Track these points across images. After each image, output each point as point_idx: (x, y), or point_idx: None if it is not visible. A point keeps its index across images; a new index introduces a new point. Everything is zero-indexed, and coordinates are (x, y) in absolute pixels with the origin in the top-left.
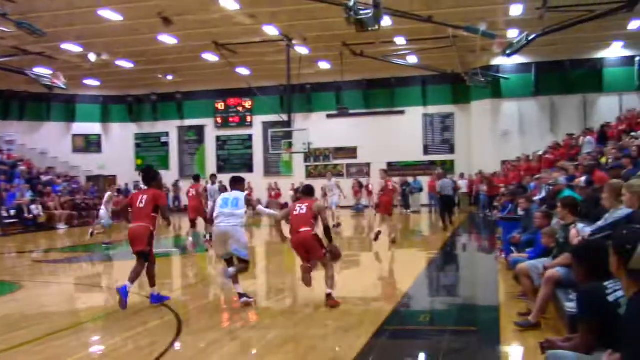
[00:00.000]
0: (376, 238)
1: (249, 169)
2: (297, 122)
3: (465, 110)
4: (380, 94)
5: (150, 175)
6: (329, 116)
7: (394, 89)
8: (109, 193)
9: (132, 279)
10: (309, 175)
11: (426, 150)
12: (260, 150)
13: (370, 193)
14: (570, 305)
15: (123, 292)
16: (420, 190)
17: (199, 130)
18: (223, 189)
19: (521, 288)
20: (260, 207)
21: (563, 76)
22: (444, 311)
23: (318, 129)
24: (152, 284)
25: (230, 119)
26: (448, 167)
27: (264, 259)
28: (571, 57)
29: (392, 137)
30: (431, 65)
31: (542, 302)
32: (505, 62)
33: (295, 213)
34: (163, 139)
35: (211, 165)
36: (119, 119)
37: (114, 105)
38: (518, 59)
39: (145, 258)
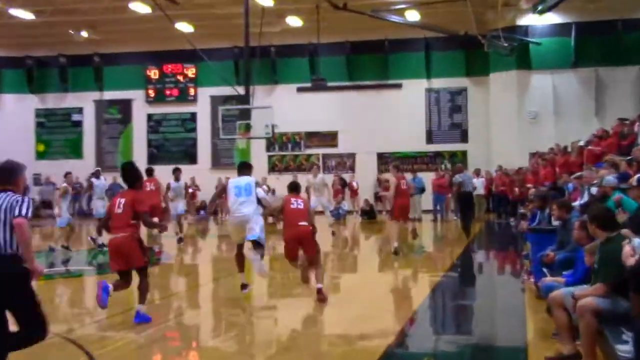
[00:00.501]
0: (396, 252)
1: (192, 159)
2: (258, 98)
3: (482, 85)
4: (369, 61)
5: (133, 173)
6: (300, 90)
7: (388, 55)
8: (64, 185)
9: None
10: (273, 168)
11: (430, 138)
12: (207, 135)
13: (355, 193)
14: (624, 350)
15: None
16: (422, 190)
17: (125, 106)
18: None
19: (555, 324)
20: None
21: (613, 41)
22: (452, 354)
23: (285, 107)
24: (143, 299)
25: (167, 92)
26: (458, 160)
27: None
28: (623, 16)
29: (384, 119)
30: (437, 25)
31: (587, 345)
32: (536, 21)
33: (292, 207)
34: (75, 117)
35: (140, 153)
36: (13, 88)
37: (7, 70)
38: (553, 18)
39: (138, 273)
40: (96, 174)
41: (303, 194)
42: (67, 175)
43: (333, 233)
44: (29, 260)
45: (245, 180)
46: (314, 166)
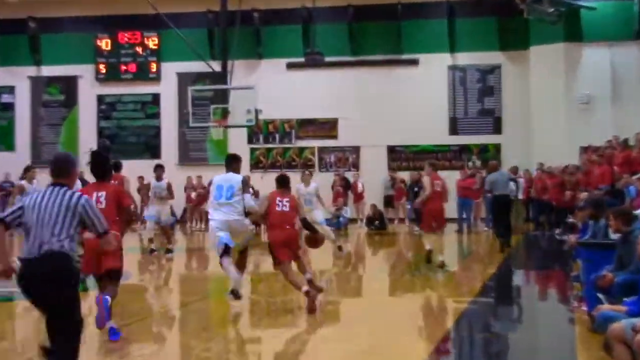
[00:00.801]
0: (428, 259)
1: (154, 152)
2: (238, 76)
3: (521, 62)
4: (377, 31)
5: (105, 163)
6: (290, 66)
7: (401, 23)
8: (23, 182)
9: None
10: (256, 164)
11: (454, 128)
12: (174, 122)
13: (359, 197)
14: None
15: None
16: None
17: (68, 84)
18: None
19: None
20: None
21: None
22: None
23: (272, 88)
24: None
25: (122, 67)
26: (490, 156)
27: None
28: None
29: (396, 104)
30: None
31: None
32: None
33: (277, 209)
34: (4, 99)
35: (88, 145)
36: None
37: None
38: None
39: (118, 277)
40: (29, 175)
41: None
42: (32, 171)
43: (340, 248)
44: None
45: (228, 179)
46: (305, 172)
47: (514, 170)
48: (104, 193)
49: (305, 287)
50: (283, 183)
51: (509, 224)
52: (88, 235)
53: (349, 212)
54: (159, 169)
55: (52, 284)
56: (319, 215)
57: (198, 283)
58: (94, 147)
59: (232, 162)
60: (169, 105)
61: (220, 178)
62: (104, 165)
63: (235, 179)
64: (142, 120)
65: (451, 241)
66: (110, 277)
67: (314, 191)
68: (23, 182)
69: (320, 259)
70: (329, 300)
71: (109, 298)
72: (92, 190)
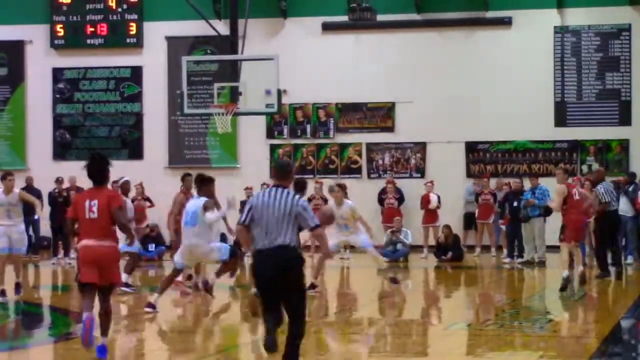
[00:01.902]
0: (583, 281)
1: (135, 151)
2: (253, 42)
3: None
4: None
5: (103, 166)
6: (328, 28)
7: None
8: None
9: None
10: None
11: (562, 116)
12: (162, 108)
13: (433, 216)
14: None
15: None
16: (547, 211)
17: (12, 53)
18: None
19: None
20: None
21: None
22: None
23: (302, 59)
24: (107, 330)
25: (89, 29)
26: (615, 156)
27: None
28: None
29: (479, 83)
30: None
31: None
32: None
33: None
34: None
35: (41, 139)
36: None
37: None
38: None
39: (106, 294)
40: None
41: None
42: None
43: (394, 280)
44: None
45: (194, 206)
46: (335, 188)
47: None
48: (97, 201)
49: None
50: (298, 188)
51: (618, 252)
52: (84, 243)
53: (409, 236)
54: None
55: (284, 270)
56: (364, 239)
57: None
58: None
59: (202, 185)
60: (156, 83)
61: (191, 203)
62: (103, 167)
63: (197, 205)
64: (117, 104)
65: (553, 278)
66: (109, 291)
67: (350, 214)
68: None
69: (366, 297)
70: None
71: (92, 316)
72: (84, 198)
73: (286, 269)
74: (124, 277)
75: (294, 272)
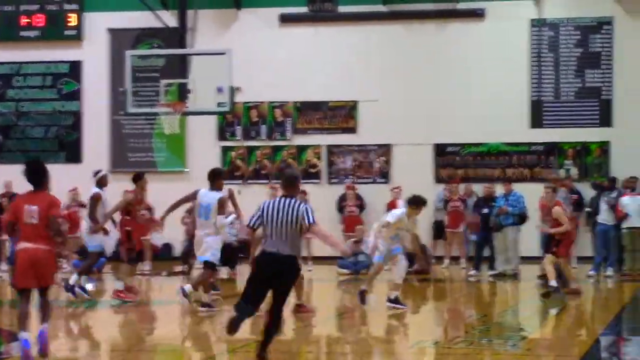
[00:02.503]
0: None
1: (74, 154)
2: (204, 35)
3: None
4: None
5: (42, 170)
6: (286, 20)
7: None
8: None
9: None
10: (232, 172)
11: (538, 117)
12: (104, 106)
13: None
14: None
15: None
16: (522, 218)
17: None
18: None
19: None
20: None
21: None
22: None
23: (257, 54)
24: (48, 317)
25: (23, 20)
26: (594, 160)
27: None
28: None
29: (449, 80)
30: None
31: None
32: None
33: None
34: None
35: None
36: None
37: None
38: None
39: (43, 293)
40: (101, 182)
41: None
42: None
43: (362, 296)
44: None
45: (207, 199)
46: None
47: (632, 183)
48: (36, 207)
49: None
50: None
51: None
52: (22, 246)
53: (367, 245)
54: (102, 178)
55: (281, 274)
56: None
57: None
58: None
59: (213, 180)
60: (96, 79)
61: (203, 196)
62: (41, 171)
63: (213, 198)
64: (54, 102)
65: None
66: (46, 291)
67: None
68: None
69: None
70: None
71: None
72: (24, 203)
73: (282, 273)
74: (73, 279)
75: (288, 278)
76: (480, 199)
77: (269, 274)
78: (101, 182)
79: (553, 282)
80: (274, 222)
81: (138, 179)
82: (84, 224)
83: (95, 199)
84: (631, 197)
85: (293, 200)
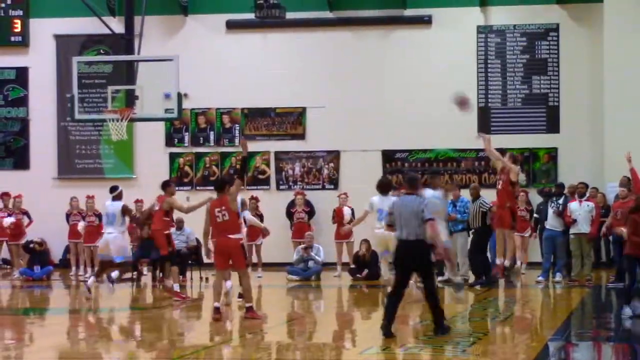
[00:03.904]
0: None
1: (21, 161)
2: (151, 41)
3: (589, 21)
4: None
5: None
6: (233, 26)
7: None
8: None
9: None
10: (180, 179)
11: (486, 123)
12: (50, 113)
13: (346, 232)
14: None
15: None
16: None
17: None
18: None
19: None
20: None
21: None
22: None
23: (205, 60)
24: None
25: None
26: (543, 166)
27: None
28: None
29: (396, 87)
30: None
31: None
32: None
33: (217, 220)
34: None
35: None
36: None
37: None
38: None
39: None
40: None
41: None
42: None
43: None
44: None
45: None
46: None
47: (577, 190)
48: None
49: (246, 304)
50: (218, 186)
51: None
52: None
53: (322, 253)
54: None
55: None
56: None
57: None
58: None
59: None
60: (43, 86)
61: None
62: None
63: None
64: (0, 108)
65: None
66: None
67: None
68: None
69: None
70: None
71: None
72: None
73: (415, 255)
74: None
75: (422, 256)
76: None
77: (405, 257)
78: (119, 196)
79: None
80: (403, 214)
81: (167, 185)
82: (111, 236)
83: (130, 210)
84: (579, 204)
85: (415, 197)
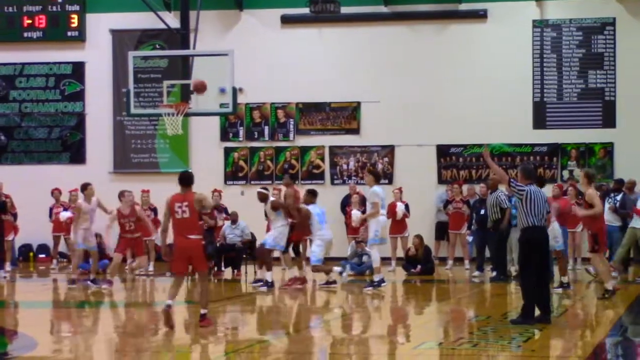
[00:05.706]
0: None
1: (77, 155)
2: (207, 35)
3: None
4: None
5: None
6: (287, 21)
7: None
8: None
9: None
10: (234, 173)
11: (541, 118)
12: (106, 107)
13: (400, 226)
14: None
15: None
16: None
17: None
18: None
19: None
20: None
21: None
22: None
23: (260, 55)
24: None
25: (25, 20)
26: (598, 161)
27: None
28: None
29: (451, 81)
30: None
31: None
32: None
33: (177, 217)
34: None
35: None
36: None
37: None
38: None
39: None
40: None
41: None
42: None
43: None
44: None
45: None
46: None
47: (632, 185)
48: None
49: (201, 310)
50: (183, 181)
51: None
52: None
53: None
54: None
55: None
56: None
57: None
58: None
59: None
60: (99, 80)
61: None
62: None
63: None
64: (57, 103)
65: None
66: None
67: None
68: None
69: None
70: None
71: None
72: None
73: (544, 240)
74: None
75: (547, 241)
76: (477, 200)
77: (537, 241)
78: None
79: (609, 285)
80: (537, 202)
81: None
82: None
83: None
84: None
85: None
